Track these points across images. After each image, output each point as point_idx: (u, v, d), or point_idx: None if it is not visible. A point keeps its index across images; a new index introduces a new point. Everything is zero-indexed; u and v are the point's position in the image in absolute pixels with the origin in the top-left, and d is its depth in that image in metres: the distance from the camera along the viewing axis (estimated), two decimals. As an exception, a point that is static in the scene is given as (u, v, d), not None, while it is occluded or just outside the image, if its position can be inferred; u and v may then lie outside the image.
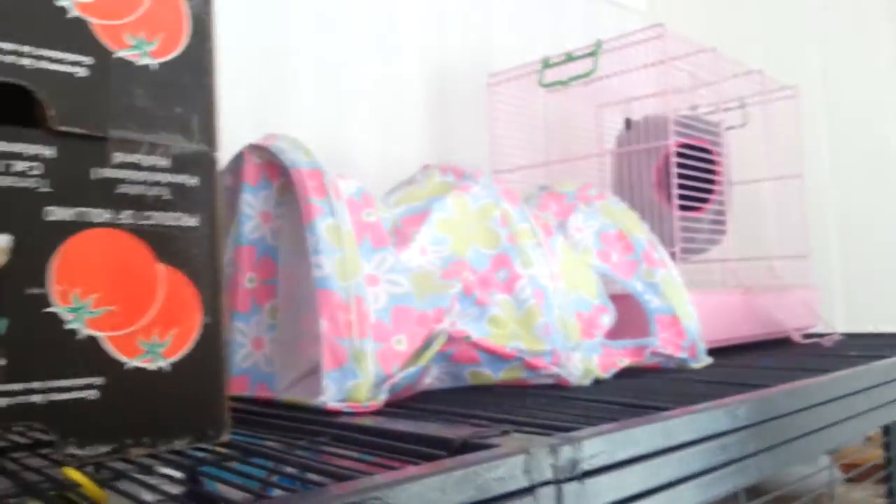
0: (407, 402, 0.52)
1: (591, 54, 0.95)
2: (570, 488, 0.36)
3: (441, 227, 0.62)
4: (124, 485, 0.34)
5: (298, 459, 0.36)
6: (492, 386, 0.60)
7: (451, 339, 0.55)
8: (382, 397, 0.48)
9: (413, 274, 0.56)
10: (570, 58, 0.96)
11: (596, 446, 0.37)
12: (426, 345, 0.52)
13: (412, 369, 0.51)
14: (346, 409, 0.46)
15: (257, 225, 0.59)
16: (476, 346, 0.56)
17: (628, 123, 1.03)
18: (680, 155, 0.90)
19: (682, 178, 0.90)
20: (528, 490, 0.34)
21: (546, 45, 1.21)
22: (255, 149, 0.60)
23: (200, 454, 0.38)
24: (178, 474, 0.34)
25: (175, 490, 0.33)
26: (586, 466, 0.37)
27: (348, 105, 0.98)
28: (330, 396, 0.47)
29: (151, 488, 0.33)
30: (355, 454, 0.38)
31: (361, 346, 0.48)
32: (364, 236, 0.54)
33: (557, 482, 0.35)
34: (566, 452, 0.36)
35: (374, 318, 0.51)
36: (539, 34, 1.27)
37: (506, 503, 0.34)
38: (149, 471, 0.35)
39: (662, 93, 0.94)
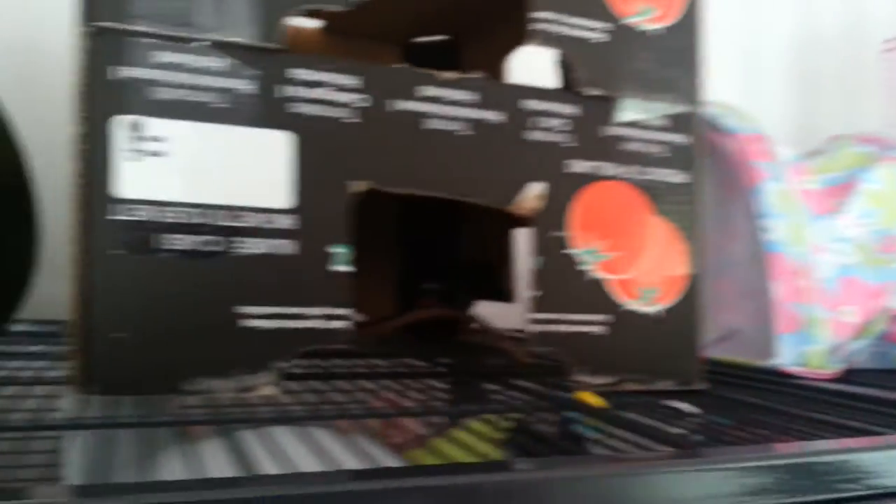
0: (845, 376, 0.50)
1: None
2: None
3: (870, 200, 0.58)
4: (633, 411, 0.38)
5: (794, 412, 0.37)
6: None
7: (892, 316, 0.52)
8: (838, 366, 0.47)
9: (855, 245, 0.54)
10: None
11: None
12: (873, 319, 0.50)
13: (861, 342, 0.49)
14: (803, 373, 0.46)
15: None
16: (922, 327, 0.53)
17: None
18: None
19: None
20: None
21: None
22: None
23: (687, 397, 0.41)
24: (690, 408, 0.37)
25: (690, 423, 0.36)
26: None
27: (712, 71, 0.96)
28: (785, 359, 0.47)
29: (663, 418, 0.36)
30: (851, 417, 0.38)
31: (816, 313, 0.48)
32: (805, 203, 0.53)
33: None
34: None
35: (822, 286, 0.50)
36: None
37: None
38: (652, 403, 0.39)
39: None
